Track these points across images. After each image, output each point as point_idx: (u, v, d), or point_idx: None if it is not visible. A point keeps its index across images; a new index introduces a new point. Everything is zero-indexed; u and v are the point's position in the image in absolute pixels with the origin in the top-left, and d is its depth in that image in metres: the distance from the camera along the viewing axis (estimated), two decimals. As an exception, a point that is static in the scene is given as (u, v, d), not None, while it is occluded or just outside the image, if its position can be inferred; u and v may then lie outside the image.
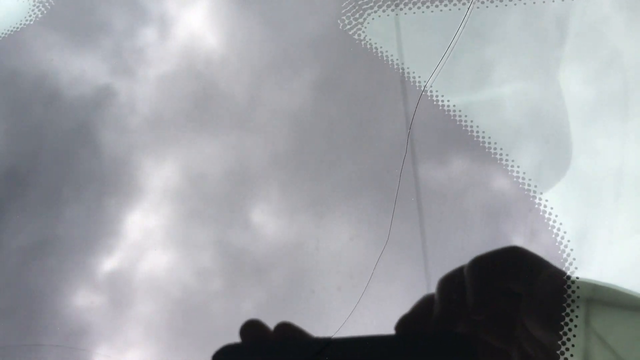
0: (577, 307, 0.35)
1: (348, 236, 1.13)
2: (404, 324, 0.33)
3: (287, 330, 0.32)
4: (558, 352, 0.29)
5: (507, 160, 1.27)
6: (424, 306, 0.34)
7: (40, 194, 1.14)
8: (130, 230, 1.11)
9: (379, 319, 0.84)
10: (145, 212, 1.12)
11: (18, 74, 1.32)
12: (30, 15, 1.33)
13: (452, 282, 0.33)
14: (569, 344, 0.34)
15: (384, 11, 1.30)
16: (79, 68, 1.32)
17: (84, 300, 1.04)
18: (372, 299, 1.08)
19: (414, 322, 0.34)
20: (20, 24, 1.32)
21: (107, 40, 1.33)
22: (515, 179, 1.25)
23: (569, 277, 0.29)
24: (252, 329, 0.31)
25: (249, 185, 1.12)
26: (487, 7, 1.26)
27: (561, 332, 0.29)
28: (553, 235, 1.23)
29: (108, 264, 1.08)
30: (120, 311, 1.03)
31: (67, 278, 1.06)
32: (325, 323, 0.88)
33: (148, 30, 1.32)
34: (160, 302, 1.03)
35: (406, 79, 1.29)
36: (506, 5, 1.33)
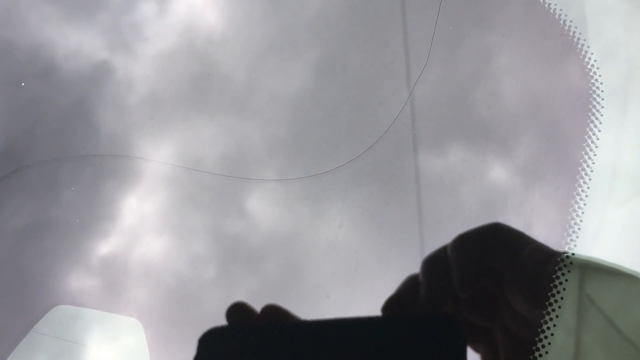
0: (562, 283, 0.35)
1: (344, 226, 1.12)
2: (390, 304, 0.34)
3: (274, 313, 0.32)
4: (541, 328, 0.29)
5: (504, 151, 1.25)
6: (409, 286, 0.35)
7: (36, 174, 1.13)
8: (126, 215, 1.10)
9: (373, 308, 0.84)
10: (141, 196, 1.11)
11: (12, 46, 1.29)
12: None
13: (435, 261, 0.33)
14: (552, 321, 0.33)
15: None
16: (75, 42, 1.29)
17: (77, 283, 1.05)
18: (366, 288, 1.08)
19: (400, 302, 0.34)
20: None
21: (104, 13, 1.30)
22: (512, 170, 1.23)
23: (553, 253, 0.29)
24: (238, 311, 0.31)
25: (245, 172, 1.11)
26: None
27: (544, 308, 0.29)
28: (549, 228, 1.22)
29: (103, 248, 1.08)
30: (113, 296, 1.03)
31: (62, 261, 1.07)
32: (318, 311, 0.88)
33: (147, 4, 1.29)
34: (154, 289, 1.03)
35: (411, 63, 1.26)
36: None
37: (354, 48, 1.23)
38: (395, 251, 1.16)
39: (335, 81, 1.20)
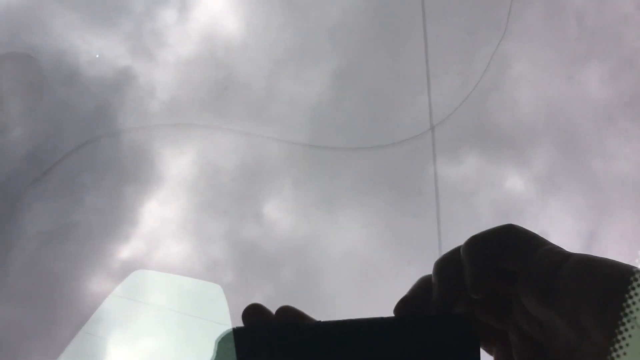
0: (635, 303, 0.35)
1: (360, 231, 1.13)
2: (402, 305, 0.34)
3: (289, 314, 0.34)
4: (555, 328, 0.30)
5: (521, 159, 1.25)
6: (422, 287, 0.35)
7: (61, 179, 1.16)
8: (146, 220, 1.13)
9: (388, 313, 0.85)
10: (161, 201, 1.14)
11: (37, 51, 1.32)
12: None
13: (448, 262, 0.34)
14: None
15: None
16: (98, 48, 1.32)
17: (99, 286, 1.08)
18: (382, 295, 1.09)
19: (413, 303, 0.35)
20: None
21: (127, 21, 1.33)
22: (528, 179, 1.23)
23: (567, 255, 0.29)
24: (254, 312, 0.33)
25: (262, 179, 1.12)
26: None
27: (558, 310, 0.29)
28: (564, 238, 1.21)
29: (124, 251, 1.11)
30: (133, 299, 1.06)
31: (84, 264, 1.09)
32: (331, 314, 0.89)
33: (168, 12, 1.31)
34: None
35: (431, 72, 1.26)
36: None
37: (373, 56, 1.24)
38: (410, 258, 1.16)
39: (353, 88, 1.22)
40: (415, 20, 1.25)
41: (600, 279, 0.28)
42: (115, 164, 1.18)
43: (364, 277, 1.05)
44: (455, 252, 0.34)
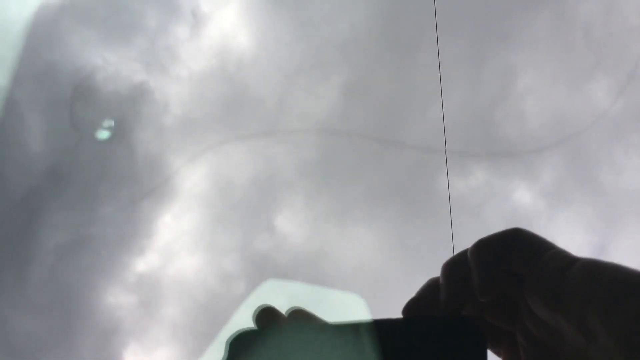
0: None
1: (371, 243, 1.15)
2: (411, 307, 0.35)
3: (300, 316, 0.35)
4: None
5: (530, 172, 1.25)
6: (430, 289, 0.36)
7: (78, 191, 1.19)
8: (161, 232, 1.15)
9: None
10: (175, 215, 1.16)
11: (55, 68, 1.35)
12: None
13: (456, 265, 0.34)
14: None
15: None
16: (114, 64, 1.35)
17: (115, 298, 1.10)
18: (392, 307, 1.10)
19: (421, 305, 0.35)
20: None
21: (141, 38, 1.36)
22: (537, 192, 1.23)
23: (575, 259, 0.30)
24: (266, 314, 0.33)
25: (274, 193, 1.15)
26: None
27: (565, 313, 0.29)
28: (573, 250, 1.21)
29: (139, 264, 1.13)
30: (148, 311, 1.08)
31: (101, 276, 1.12)
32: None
33: (181, 29, 1.34)
34: (186, 305, 1.08)
35: (443, 85, 1.27)
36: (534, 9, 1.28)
37: (383, 70, 1.26)
38: (421, 270, 1.17)
39: (363, 103, 1.23)
40: (425, 35, 1.27)
41: (608, 283, 0.29)
42: (131, 175, 1.20)
43: (375, 289, 1.07)
44: (463, 254, 0.35)
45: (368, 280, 1.07)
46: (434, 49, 1.26)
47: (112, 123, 1.23)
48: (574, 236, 1.03)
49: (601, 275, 0.29)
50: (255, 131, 1.22)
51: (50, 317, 1.08)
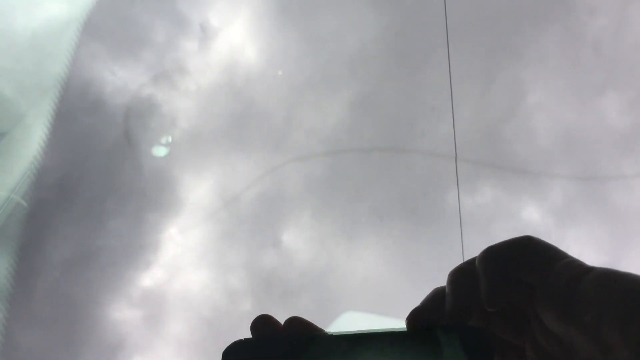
0: None
1: (379, 261, 1.14)
2: (415, 317, 0.33)
3: (298, 325, 0.33)
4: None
5: (539, 190, 1.24)
6: (435, 299, 0.34)
7: (86, 204, 1.19)
8: (167, 247, 1.15)
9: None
10: (181, 229, 1.16)
11: (63, 80, 1.36)
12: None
13: (463, 273, 0.33)
14: None
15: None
16: (122, 78, 1.35)
17: (120, 313, 1.09)
18: (402, 325, 1.08)
19: (425, 315, 0.34)
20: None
21: (149, 51, 1.36)
22: (546, 210, 1.22)
23: (588, 268, 0.28)
24: (263, 323, 0.32)
25: (281, 209, 1.14)
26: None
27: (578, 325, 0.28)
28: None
29: (144, 279, 1.13)
30: (153, 327, 1.07)
31: (106, 290, 1.11)
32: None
33: (189, 43, 1.34)
34: (191, 321, 1.07)
35: (454, 101, 1.27)
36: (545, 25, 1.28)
37: (391, 85, 1.25)
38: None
39: (371, 118, 1.23)
40: (435, 50, 1.26)
41: (624, 293, 0.28)
42: (138, 189, 1.20)
43: (383, 305, 1.06)
44: (471, 262, 0.34)
45: (376, 296, 1.06)
46: (442, 64, 1.26)
47: (169, 139, 1.24)
48: (583, 255, 1.01)
49: (617, 285, 0.28)
50: (262, 146, 1.21)
51: (55, 331, 1.08)
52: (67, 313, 1.09)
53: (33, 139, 1.27)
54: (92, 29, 1.38)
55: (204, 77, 1.31)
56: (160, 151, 1.24)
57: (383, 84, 1.25)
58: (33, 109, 1.33)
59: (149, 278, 1.12)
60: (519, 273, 0.33)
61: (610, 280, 0.29)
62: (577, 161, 1.15)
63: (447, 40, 1.21)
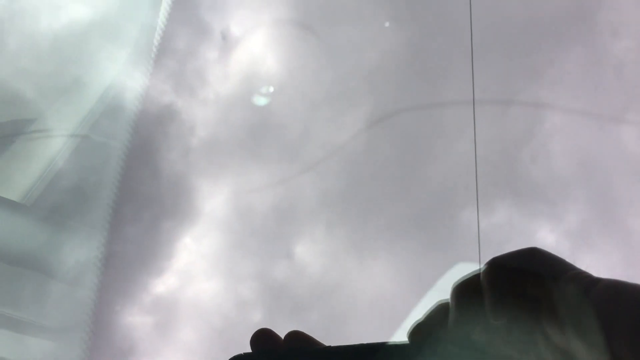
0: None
1: (391, 277, 1.14)
2: (417, 330, 0.33)
3: (298, 339, 0.33)
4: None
5: (554, 212, 1.23)
6: (438, 312, 0.34)
7: (103, 209, 1.20)
8: (181, 255, 1.16)
9: None
10: (195, 237, 1.17)
11: (83, 84, 1.37)
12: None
13: (467, 285, 0.32)
14: None
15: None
16: (142, 84, 1.37)
17: (133, 319, 1.11)
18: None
19: (428, 328, 0.33)
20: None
21: (171, 58, 1.37)
22: (561, 233, 1.21)
23: (596, 280, 0.27)
24: (263, 337, 0.32)
25: (295, 221, 1.14)
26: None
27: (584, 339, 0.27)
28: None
29: (158, 285, 1.14)
30: (164, 334, 1.08)
31: (120, 296, 1.13)
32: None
33: (210, 53, 1.35)
34: (201, 329, 1.08)
35: (468, 119, 1.26)
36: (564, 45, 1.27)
37: (408, 101, 1.26)
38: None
39: (388, 134, 1.23)
40: (453, 65, 1.26)
41: (634, 304, 0.27)
42: (155, 196, 1.21)
43: (393, 325, 1.06)
44: (476, 275, 0.33)
45: (386, 314, 1.06)
46: (461, 81, 1.26)
47: (270, 89, 1.26)
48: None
49: (626, 297, 0.27)
50: (277, 159, 1.22)
51: (66, 335, 1.09)
52: (79, 317, 1.10)
53: (52, 141, 1.28)
54: (113, 33, 1.39)
55: (223, 86, 1.32)
56: (260, 100, 1.26)
57: (401, 99, 1.25)
58: (52, 110, 1.34)
59: (161, 284, 1.13)
60: (525, 285, 0.32)
61: (619, 292, 0.29)
62: (595, 185, 1.14)
63: (472, 62, 1.21)
